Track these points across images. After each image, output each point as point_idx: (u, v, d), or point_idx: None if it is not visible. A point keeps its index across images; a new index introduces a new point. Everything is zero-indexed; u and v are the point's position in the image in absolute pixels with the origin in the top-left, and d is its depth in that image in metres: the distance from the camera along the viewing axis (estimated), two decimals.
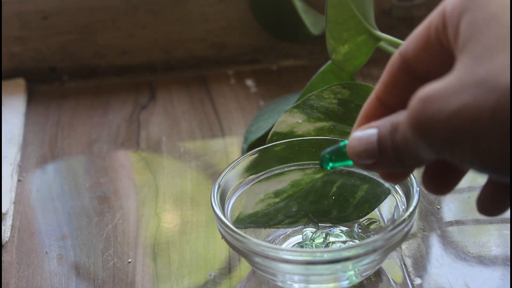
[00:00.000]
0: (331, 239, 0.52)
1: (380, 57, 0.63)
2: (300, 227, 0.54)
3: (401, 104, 0.38)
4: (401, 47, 0.39)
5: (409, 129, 0.35)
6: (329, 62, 0.60)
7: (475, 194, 0.59)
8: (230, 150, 0.67)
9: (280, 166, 0.54)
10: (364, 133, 0.38)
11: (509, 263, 0.52)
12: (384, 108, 0.40)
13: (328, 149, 0.42)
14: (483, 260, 0.53)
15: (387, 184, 0.52)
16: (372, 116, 0.40)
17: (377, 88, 0.40)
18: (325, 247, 0.51)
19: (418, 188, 0.48)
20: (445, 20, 0.36)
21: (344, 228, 0.53)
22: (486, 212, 0.38)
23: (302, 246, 0.52)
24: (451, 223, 0.56)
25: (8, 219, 0.59)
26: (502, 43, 0.32)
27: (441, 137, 0.33)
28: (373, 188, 0.53)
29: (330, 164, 0.42)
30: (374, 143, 0.37)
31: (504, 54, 0.32)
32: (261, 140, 0.62)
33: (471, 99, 0.32)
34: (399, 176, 0.41)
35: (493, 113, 0.31)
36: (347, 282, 0.48)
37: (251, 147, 0.63)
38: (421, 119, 0.34)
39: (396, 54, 0.39)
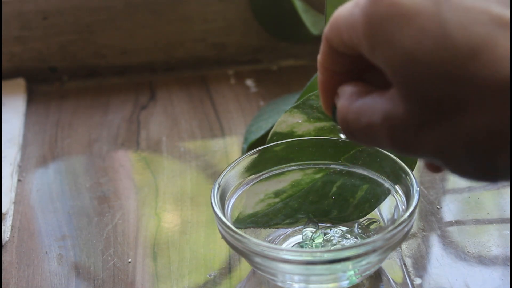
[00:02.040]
0: (331, 239, 0.52)
1: None
2: (300, 227, 0.54)
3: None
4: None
5: None
6: None
7: (475, 194, 0.59)
8: (230, 150, 0.67)
9: (280, 166, 0.54)
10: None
11: (509, 263, 0.52)
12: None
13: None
14: (483, 260, 0.53)
15: (387, 184, 0.52)
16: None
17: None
18: (322, 246, 0.51)
19: (418, 188, 0.48)
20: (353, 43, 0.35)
21: (344, 228, 0.53)
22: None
23: (302, 246, 0.52)
24: (451, 223, 0.56)
25: (8, 219, 0.59)
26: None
27: None
28: (373, 188, 0.53)
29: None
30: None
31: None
32: (261, 140, 0.62)
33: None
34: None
35: None
36: (347, 282, 0.48)
37: (251, 147, 0.63)
38: None
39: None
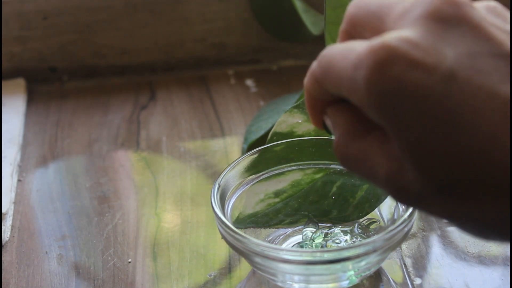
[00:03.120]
0: (331, 239, 0.52)
1: None
2: (300, 227, 0.54)
3: None
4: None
5: None
6: None
7: None
8: (230, 150, 0.67)
9: (280, 166, 0.54)
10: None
11: (509, 263, 0.52)
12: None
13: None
14: (483, 260, 0.53)
15: None
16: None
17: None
18: (321, 247, 0.51)
19: None
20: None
21: (344, 228, 0.53)
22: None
23: (302, 246, 0.52)
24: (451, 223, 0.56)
25: (8, 219, 0.59)
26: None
27: None
28: (373, 188, 0.53)
29: None
30: None
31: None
32: (261, 140, 0.62)
33: None
34: None
35: None
36: (347, 282, 0.48)
37: (251, 147, 0.63)
38: None
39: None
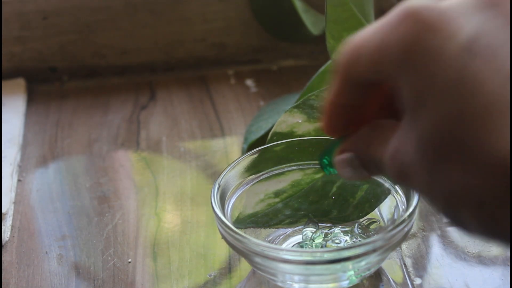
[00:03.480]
0: (331, 239, 0.52)
1: None
2: (300, 227, 0.54)
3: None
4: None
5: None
6: (329, 62, 0.60)
7: None
8: (230, 150, 0.67)
9: (280, 166, 0.54)
10: (344, 159, 0.39)
11: (509, 263, 0.52)
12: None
13: (324, 153, 0.43)
14: (483, 260, 0.53)
15: (387, 184, 0.52)
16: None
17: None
18: (321, 247, 0.51)
19: None
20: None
21: (344, 228, 0.53)
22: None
23: (302, 246, 0.52)
24: (451, 223, 0.56)
25: (8, 219, 0.59)
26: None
27: None
28: (373, 188, 0.53)
29: (330, 170, 0.43)
30: (359, 166, 0.38)
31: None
32: (261, 140, 0.62)
33: None
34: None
35: None
36: (347, 282, 0.48)
37: (251, 147, 0.63)
38: None
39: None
